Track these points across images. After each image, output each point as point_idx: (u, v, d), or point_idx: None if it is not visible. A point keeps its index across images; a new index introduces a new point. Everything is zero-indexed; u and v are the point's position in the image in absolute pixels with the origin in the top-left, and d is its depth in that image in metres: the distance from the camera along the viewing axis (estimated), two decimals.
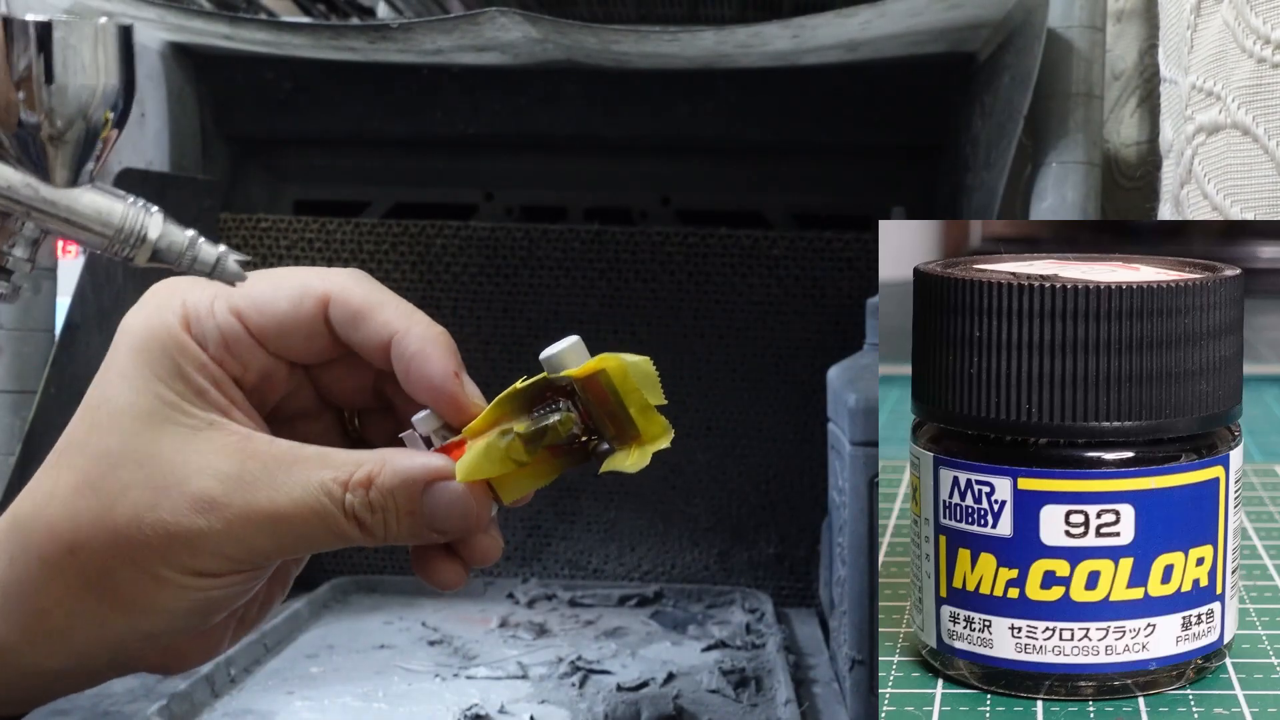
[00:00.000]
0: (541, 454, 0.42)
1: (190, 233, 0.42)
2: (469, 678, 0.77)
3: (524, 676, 0.78)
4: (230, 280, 0.42)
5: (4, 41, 0.39)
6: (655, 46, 0.88)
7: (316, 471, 0.41)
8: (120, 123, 0.42)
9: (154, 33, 0.94)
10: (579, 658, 0.81)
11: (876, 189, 1.07)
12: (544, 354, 0.43)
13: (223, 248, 0.42)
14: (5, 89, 0.40)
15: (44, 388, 0.82)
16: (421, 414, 0.44)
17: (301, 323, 0.44)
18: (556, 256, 1.03)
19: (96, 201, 0.42)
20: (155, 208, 0.42)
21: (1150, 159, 0.84)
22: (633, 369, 0.43)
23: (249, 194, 1.11)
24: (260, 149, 1.11)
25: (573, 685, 0.76)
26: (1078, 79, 0.79)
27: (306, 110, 1.06)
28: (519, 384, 0.43)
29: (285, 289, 0.44)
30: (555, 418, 0.42)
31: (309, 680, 0.76)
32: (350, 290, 0.44)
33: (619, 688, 0.76)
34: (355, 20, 1.07)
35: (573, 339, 0.43)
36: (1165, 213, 0.63)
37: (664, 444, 0.42)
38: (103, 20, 0.41)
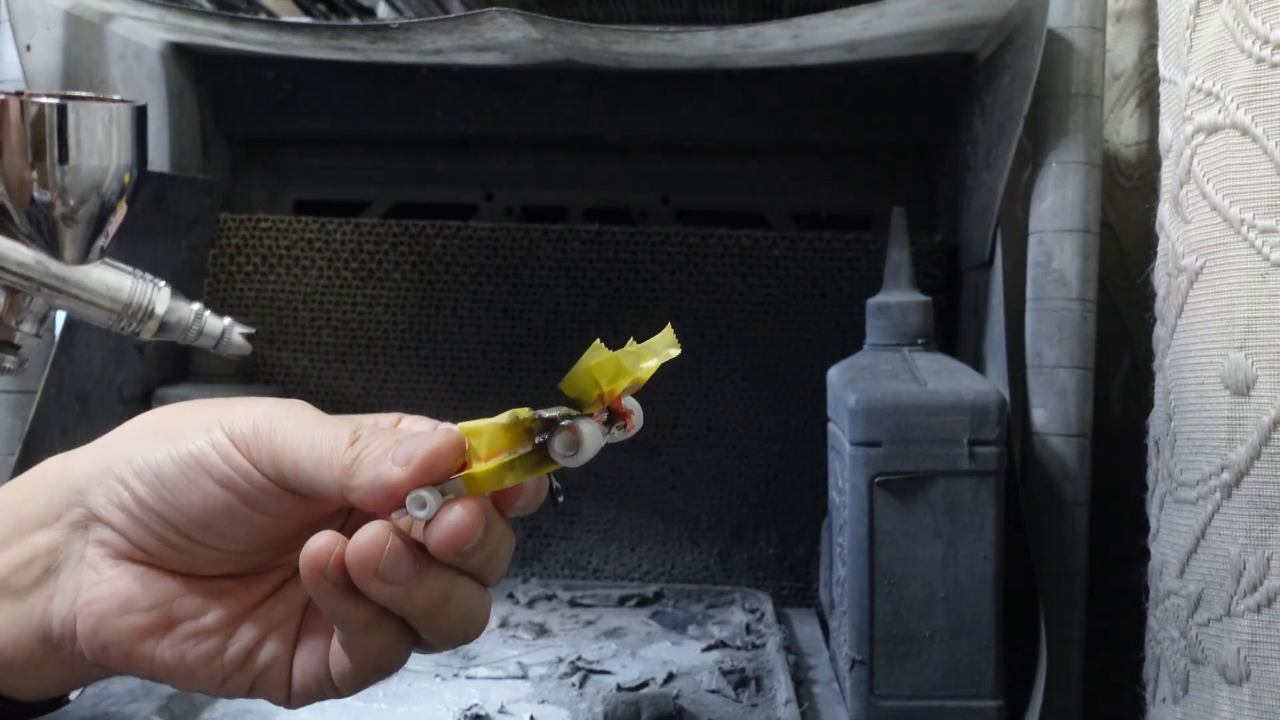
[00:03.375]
0: (521, 436, 0.43)
1: (196, 306, 0.43)
2: (469, 678, 0.77)
3: (524, 676, 0.78)
4: (234, 353, 0.44)
5: (20, 121, 0.40)
6: (655, 46, 0.88)
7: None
8: (132, 199, 0.42)
9: (154, 33, 0.94)
10: (579, 658, 0.81)
11: (876, 189, 1.07)
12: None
13: (228, 320, 0.44)
14: (19, 168, 0.40)
15: (44, 388, 0.82)
16: None
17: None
18: (556, 256, 1.03)
19: (106, 278, 0.43)
20: (162, 283, 0.43)
21: (1150, 159, 0.84)
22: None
23: (249, 194, 1.11)
24: (260, 149, 1.11)
25: (573, 685, 0.76)
26: (1078, 79, 0.79)
27: (306, 110, 1.06)
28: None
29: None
30: (558, 412, 0.43)
31: None
32: None
33: (619, 688, 0.76)
34: (355, 20, 1.07)
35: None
36: (1165, 212, 0.63)
37: (626, 376, 0.43)
38: (117, 101, 0.41)
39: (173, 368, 1.00)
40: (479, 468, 0.42)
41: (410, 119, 1.06)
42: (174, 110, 1.00)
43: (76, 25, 0.85)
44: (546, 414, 0.42)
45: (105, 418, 0.91)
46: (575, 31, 0.82)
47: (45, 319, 0.43)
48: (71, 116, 0.40)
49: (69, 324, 0.84)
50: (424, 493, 0.42)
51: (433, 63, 1.00)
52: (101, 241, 0.43)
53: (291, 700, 0.47)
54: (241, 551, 0.46)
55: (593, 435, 0.42)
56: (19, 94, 0.40)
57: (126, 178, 0.42)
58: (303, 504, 0.45)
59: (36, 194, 0.41)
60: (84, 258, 0.42)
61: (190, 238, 1.00)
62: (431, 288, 1.04)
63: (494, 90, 1.04)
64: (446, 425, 0.43)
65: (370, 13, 1.09)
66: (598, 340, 0.43)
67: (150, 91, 0.97)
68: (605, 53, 0.90)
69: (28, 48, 0.81)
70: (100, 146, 0.41)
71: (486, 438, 0.42)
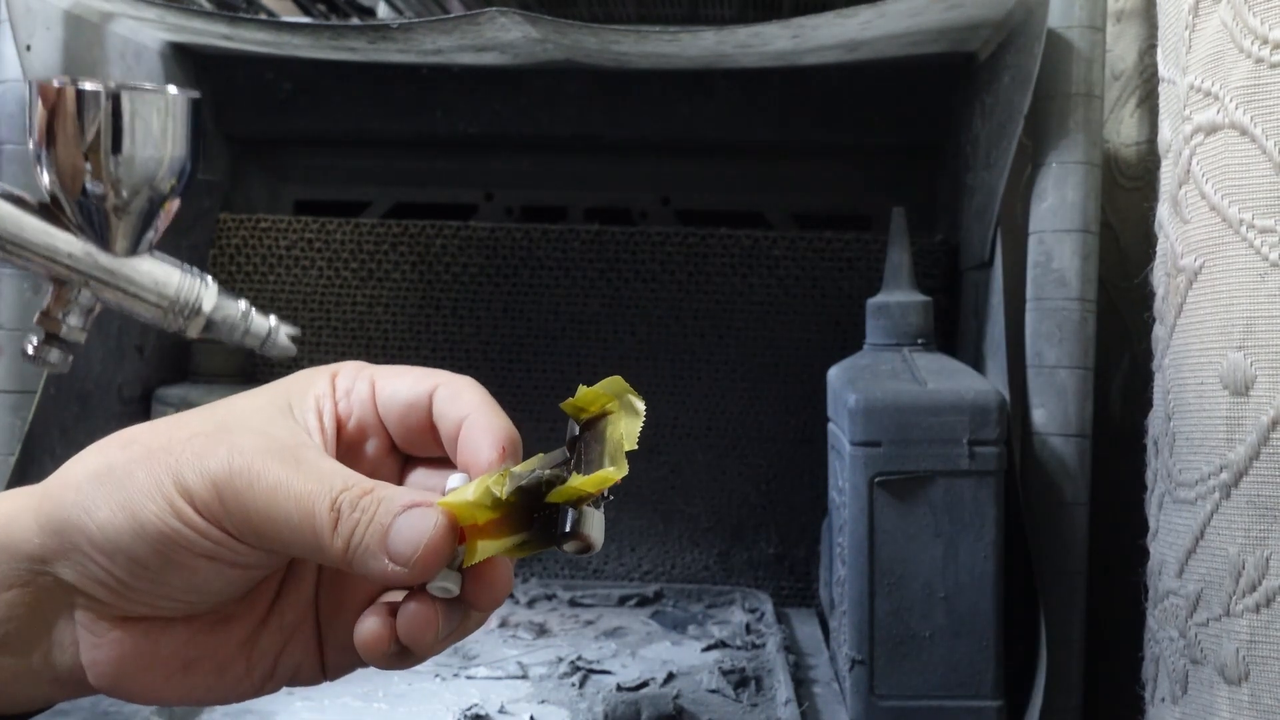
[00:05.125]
0: (517, 516, 0.42)
1: (243, 304, 0.42)
2: (469, 678, 0.77)
3: (524, 676, 0.78)
4: (280, 353, 0.43)
5: (75, 110, 0.39)
6: (655, 46, 0.88)
7: (338, 474, 0.43)
8: (184, 192, 0.41)
9: (154, 33, 0.95)
10: (579, 658, 0.81)
11: (876, 189, 1.07)
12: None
13: (274, 320, 0.43)
14: (72, 157, 0.39)
15: (44, 388, 0.82)
16: (456, 476, 0.45)
17: (413, 393, 0.47)
18: (556, 256, 1.03)
19: (154, 271, 0.42)
20: (210, 278, 0.42)
21: (1150, 159, 0.84)
22: (626, 415, 0.43)
23: (249, 194, 1.11)
24: (260, 149, 1.11)
25: (573, 685, 0.76)
26: (1078, 79, 0.79)
27: (306, 110, 1.06)
28: (541, 455, 0.43)
29: (417, 371, 0.48)
30: (546, 470, 0.42)
31: None
32: (462, 380, 0.47)
33: (619, 688, 0.76)
34: (355, 20, 1.07)
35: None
36: (1163, 212, 0.63)
37: (614, 479, 0.42)
38: (173, 91, 0.40)
39: (172, 368, 1.00)
40: (489, 549, 0.42)
41: (410, 119, 1.06)
42: None
43: (76, 25, 0.85)
44: (526, 483, 0.42)
45: (105, 418, 0.91)
46: (575, 31, 0.82)
47: (91, 312, 0.42)
48: (126, 105, 0.39)
49: None
50: (444, 583, 0.42)
51: (433, 63, 1.00)
52: (151, 235, 0.42)
53: (327, 679, 0.48)
54: (240, 593, 0.45)
55: (599, 529, 0.42)
56: (74, 82, 0.39)
57: (180, 170, 0.41)
58: None
59: (89, 185, 0.40)
60: (133, 250, 0.41)
61: (190, 238, 1.00)
62: (431, 288, 1.04)
63: (494, 90, 1.04)
64: (435, 510, 0.41)
65: (370, 13, 1.09)
66: (581, 480, 0.42)
67: None
68: (605, 53, 0.90)
69: (28, 48, 0.81)
70: (155, 137, 0.40)
71: (472, 510, 0.42)
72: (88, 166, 0.39)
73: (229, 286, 1.04)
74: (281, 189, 1.11)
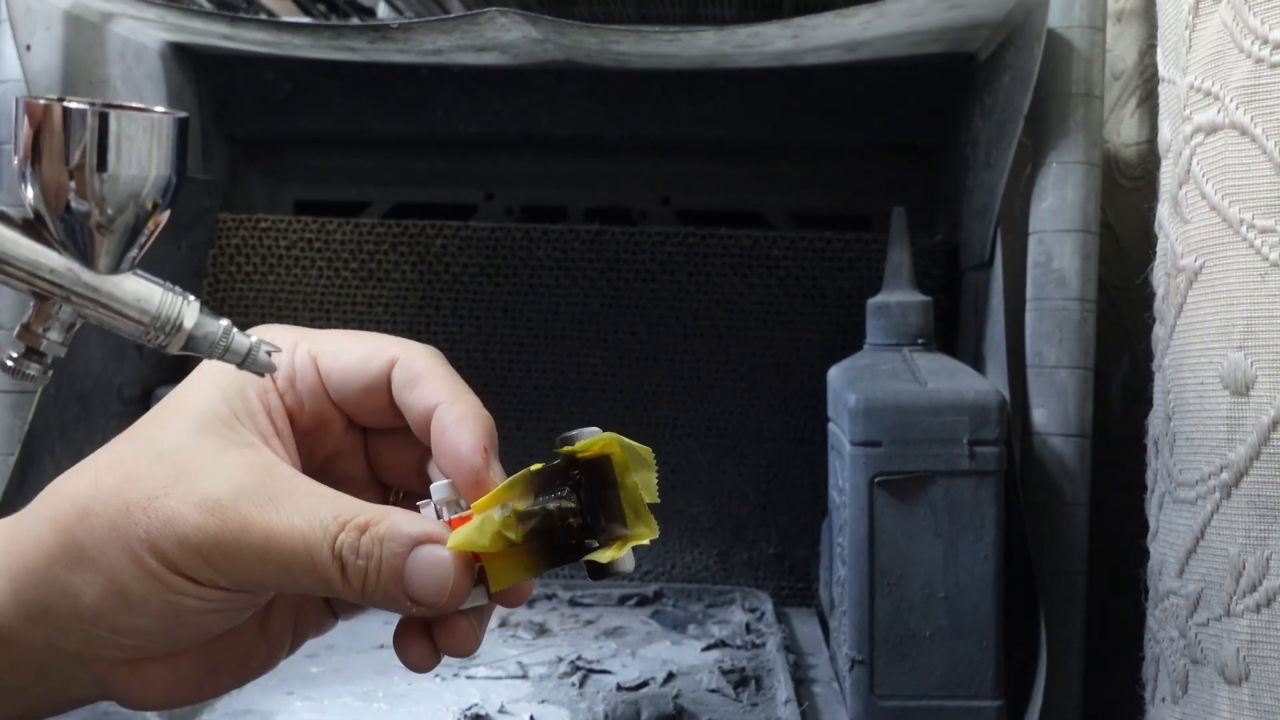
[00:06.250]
0: (534, 544, 0.42)
1: (224, 322, 0.42)
2: (469, 678, 0.77)
3: (524, 676, 0.78)
4: (260, 370, 0.43)
5: (61, 127, 0.39)
6: (655, 46, 0.88)
7: (323, 507, 0.42)
8: (168, 209, 0.42)
9: (154, 33, 0.95)
10: (579, 657, 0.81)
11: (876, 189, 1.07)
12: (561, 436, 0.43)
13: (255, 338, 0.43)
14: (57, 174, 0.39)
15: (43, 388, 0.82)
16: (441, 483, 0.44)
17: (368, 377, 0.45)
18: (556, 256, 1.03)
19: (137, 288, 0.42)
20: (192, 296, 0.43)
21: (1150, 159, 0.84)
22: (635, 462, 0.42)
23: (249, 194, 1.11)
24: (260, 149, 1.11)
25: (573, 685, 0.76)
26: (1078, 79, 0.79)
27: (306, 110, 1.06)
28: (534, 467, 0.43)
29: (362, 345, 0.46)
30: (554, 503, 0.42)
31: (309, 680, 0.76)
32: (417, 357, 0.45)
33: (619, 687, 0.76)
34: (355, 20, 1.07)
35: (594, 429, 0.43)
36: (1164, 212, 0.63)
37: (645, 541, 0.42)
38: (160, 111, 0.41)
39: (172, 368, 1.00)
40: (514, 576, 0.42)
41: (410, 119, 1.06)
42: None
43: (76, 25, 0.85)
44: (537, 524, 0.42)
45: (105, 418, 0.91)
46: (575, 31, 0.82)
47: (72, 328, 0.42)
48: (113, 125, 0.40)
49: None
50: (475, 602, 0.43)
51: (433, 63, 1.00)
52: (134, 253, 0.42)
53: (341, 621, 0.49)
54: (250, 614, 0.45)
55: (629, 558, 0.42)
56: (60, 99, 0.39)
57: (165, 188, 0.42)
58: None
59: (73, 202, 0.40)
60: (116, 266, 0.42)
61: (190, 238, 1.00)
62: (431, 288, 1.04)
63: (494, 90, 1.04)
64: (448, 553, 0.41)
65: (370, 13, 1.09)
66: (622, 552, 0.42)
67: (150, 91, 0.97)
68: (605, 53, 0.90)
69: (28, 48, 0.81)
70: (141, 156, 0.40)
71: (489, 543, 0.42)
72: (72, 184, 0.40)
73: (229, 286, 1.04)
74: (281, 189, 1.11)
